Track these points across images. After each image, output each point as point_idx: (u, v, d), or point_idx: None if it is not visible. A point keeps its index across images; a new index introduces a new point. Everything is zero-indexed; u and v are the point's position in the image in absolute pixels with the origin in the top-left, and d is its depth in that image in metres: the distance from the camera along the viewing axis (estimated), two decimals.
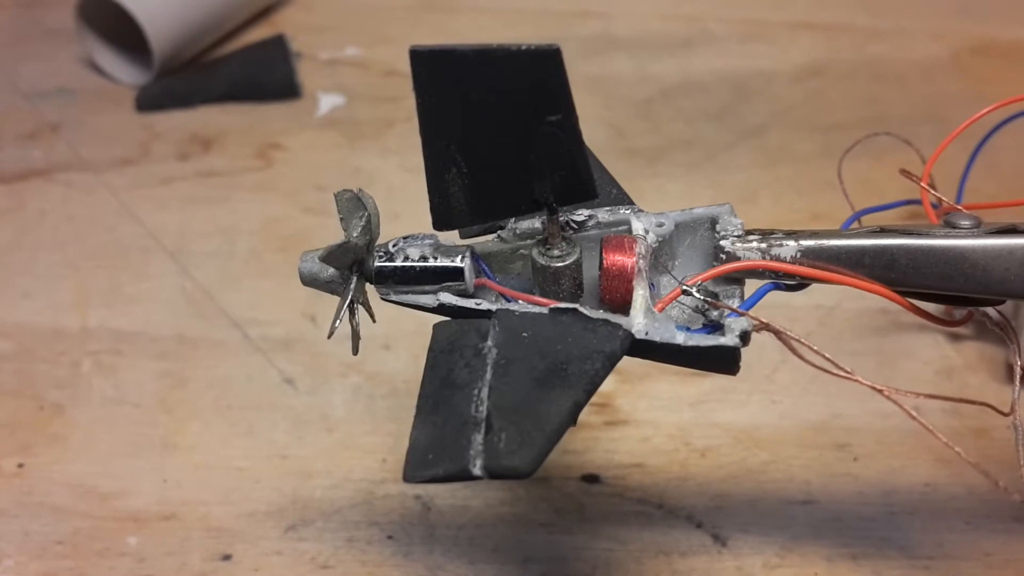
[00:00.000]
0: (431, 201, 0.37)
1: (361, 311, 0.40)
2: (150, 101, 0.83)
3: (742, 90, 0.83)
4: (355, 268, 0.38)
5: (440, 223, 0.37)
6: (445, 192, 0.36)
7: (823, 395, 0.58)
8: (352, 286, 0.39)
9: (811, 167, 0.75)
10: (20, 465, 0.56)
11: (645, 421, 0.58)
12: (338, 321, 0.38)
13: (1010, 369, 0.59)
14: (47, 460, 0.57)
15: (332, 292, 0.39)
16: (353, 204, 0.38)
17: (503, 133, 0.35)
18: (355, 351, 0.40)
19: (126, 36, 0.84)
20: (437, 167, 0.36)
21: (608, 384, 0.60)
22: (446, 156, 0.35)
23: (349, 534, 0.52)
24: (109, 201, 0.74)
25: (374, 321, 0.41)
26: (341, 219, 0.38)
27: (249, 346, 0.63)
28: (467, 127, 0.35)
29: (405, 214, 0.63)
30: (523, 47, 0.33)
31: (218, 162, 0.78)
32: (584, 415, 0.56)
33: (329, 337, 0.38)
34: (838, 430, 0.57)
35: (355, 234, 0.37)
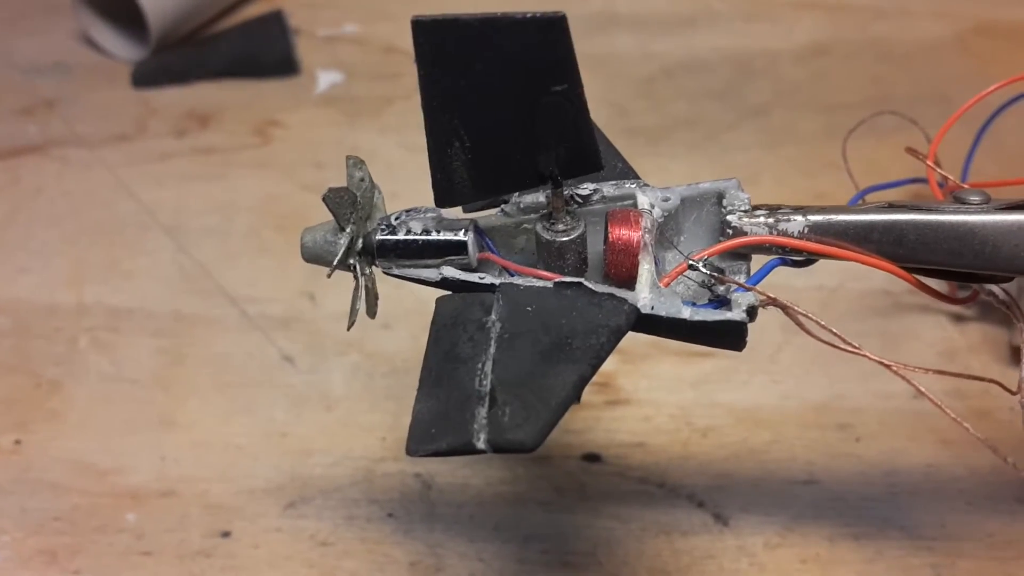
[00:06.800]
0: (433, 177, 0.36)
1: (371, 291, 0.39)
2: (146, 77, 0.82)
3: (745, 69, 0.82)
4: (358, 243, 0.38)
5: (442, 200, 0.37)
6: (448, 168, 0.36)
7: (825, 376, 0.58)
8: (360, 270, 0.38)
9: (815, 147, 0.74)
10: (17, 441, 0.56)
11: (647, 401, 0.57)
12: (359, 303, 0.38)
13: (1013, 351, 0.59)
14: (44, 436, 0.56)
15: (331, 265, 0.39)
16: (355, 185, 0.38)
17: (507, 104, 0.34)
18: (371, 313, 0.39)
19: (122, 11, 0.83)
20: (439, 142, 0.35)
21: (609, 364, 0.59)
22: (449, 130, 0.35)
23: (349, 512, 0.52)
24: (105, 177, 0.73)
25: (372, 317, 0.40)
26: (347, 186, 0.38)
27: (247, 323, 0.62)
28: (470, 99, 0.34)
29: (404, 192, 0.62)
30: (528, 15, 0.32)
31: (215, 139, 0.77)
32: (585, 394, 0.56)
33: (349, 328, 0.38)
34: (840, 410, 0.57)
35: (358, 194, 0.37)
